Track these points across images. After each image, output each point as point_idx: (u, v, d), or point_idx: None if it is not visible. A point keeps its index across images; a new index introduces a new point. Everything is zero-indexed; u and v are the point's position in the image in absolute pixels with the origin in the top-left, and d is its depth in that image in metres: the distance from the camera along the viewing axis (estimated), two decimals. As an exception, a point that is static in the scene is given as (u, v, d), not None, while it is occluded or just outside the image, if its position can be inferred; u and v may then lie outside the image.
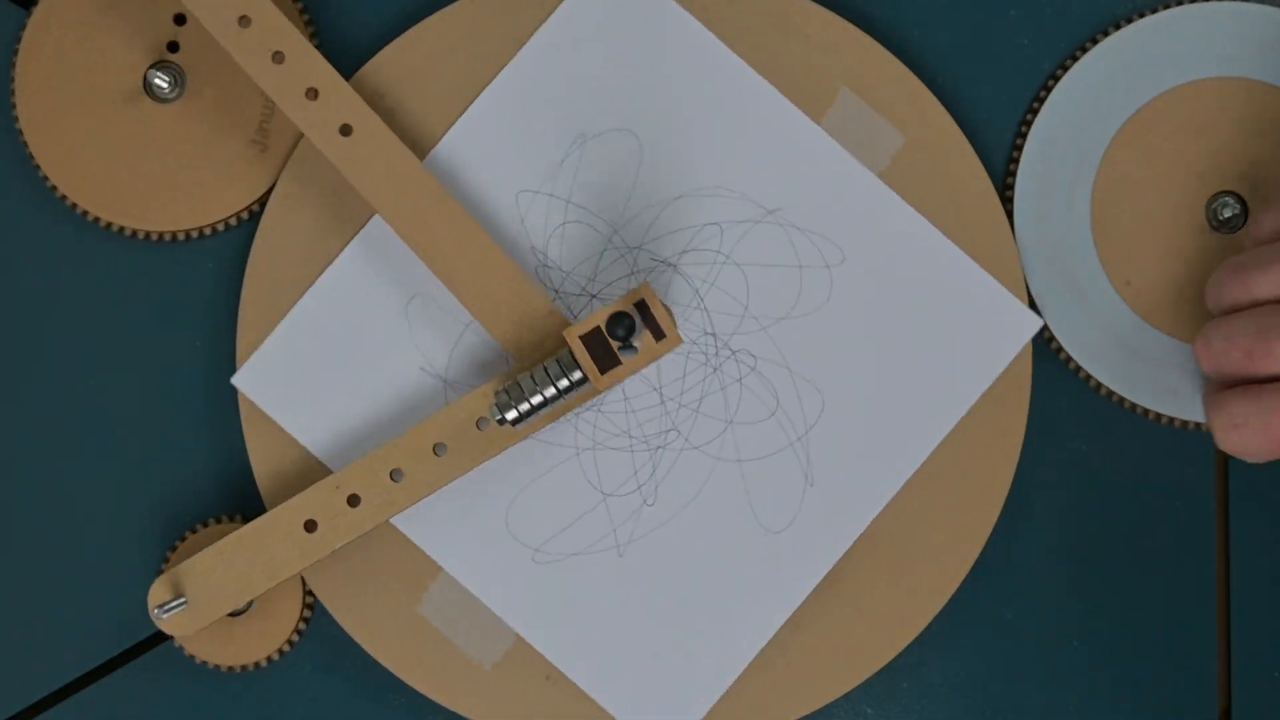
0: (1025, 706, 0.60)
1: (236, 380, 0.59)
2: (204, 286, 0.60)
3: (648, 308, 0.55)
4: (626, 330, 0.53)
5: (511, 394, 0.56)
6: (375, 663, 0.59)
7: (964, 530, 0.59)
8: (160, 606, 0.56)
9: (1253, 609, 0.60)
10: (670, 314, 0.55)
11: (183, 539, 0.59)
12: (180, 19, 0.60)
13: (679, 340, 0.55)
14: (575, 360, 0.55)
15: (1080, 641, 0.60)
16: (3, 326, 0.60)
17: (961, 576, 0.59)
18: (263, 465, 0.59)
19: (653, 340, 0.55)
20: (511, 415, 0.55)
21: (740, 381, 0.59)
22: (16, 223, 0.61)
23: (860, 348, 0.59)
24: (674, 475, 0.59)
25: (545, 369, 0.56)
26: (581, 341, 0.54)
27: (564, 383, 0.55)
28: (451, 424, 0.57)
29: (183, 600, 0.56)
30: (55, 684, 0.60)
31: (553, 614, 0.59)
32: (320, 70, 0.57)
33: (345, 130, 0.57)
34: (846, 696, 0.59)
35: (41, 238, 0.60)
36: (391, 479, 0.57)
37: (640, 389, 0.59)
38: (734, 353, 0.59)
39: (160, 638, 0.60)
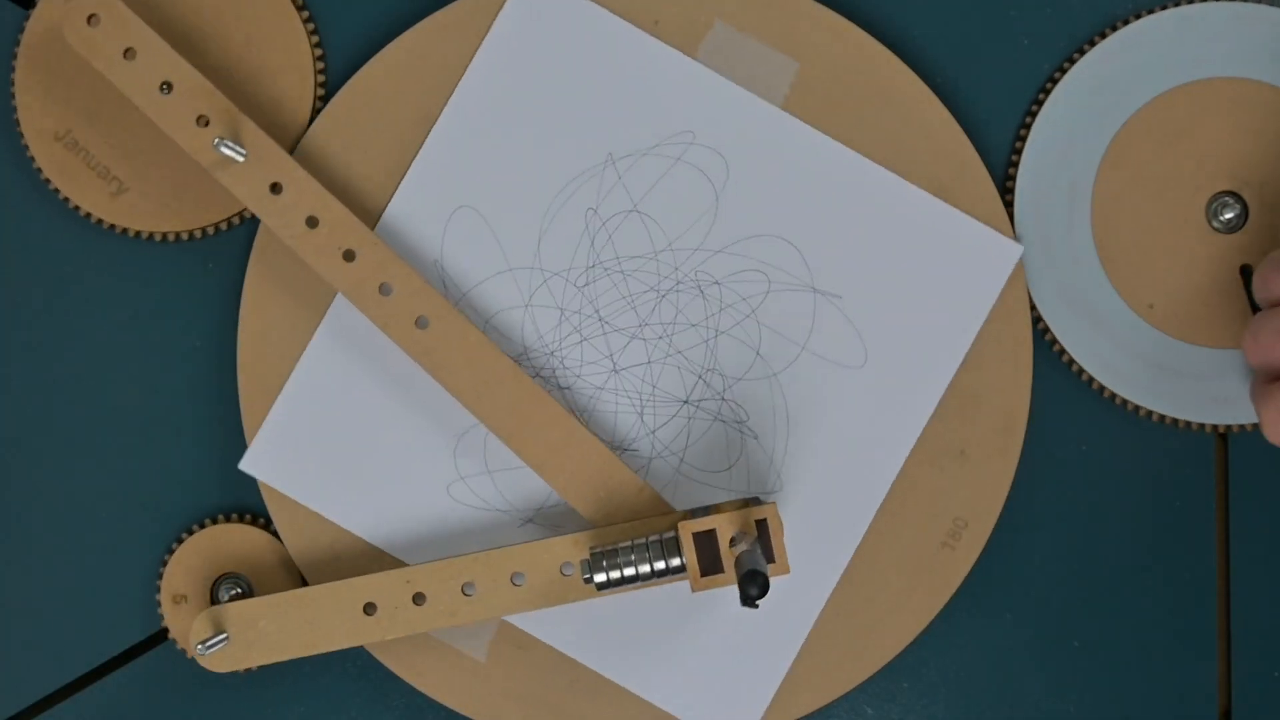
0: (1025, 706, 0.60)
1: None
2: (204, 286, 0.60)
3: (768, 531, 0.54)
4: (760, 591, 0.51)
5: (606, 560, 0.55)
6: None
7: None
8: (203, 642, 0.56)
9: (1253, 609, 0.60)
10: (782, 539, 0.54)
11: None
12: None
13: (786, 570, 0.54)
14: (680, 549, 0.55)
15: (1080, 641, 0.60)
16: (3, 326, 0.60)
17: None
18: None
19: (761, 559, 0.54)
20: (600, 579, 0.55)
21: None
22: (17, 223, 0.61)
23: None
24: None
25: (647, 546, 0.55)
26: (694, 540, 0.54)
27: (661, 565, 0.55)
28: (536, 559, 0.56)
29: (224, 636, 0.56)
30: (55, 684, 0.60)
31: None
32: (391, 264, 0.56)
33: (420, 322, 0.57)
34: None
35: (41, 238, 0.61)
36: (463, 592, 0.56)
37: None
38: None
39: (160, 638, 0.60)
